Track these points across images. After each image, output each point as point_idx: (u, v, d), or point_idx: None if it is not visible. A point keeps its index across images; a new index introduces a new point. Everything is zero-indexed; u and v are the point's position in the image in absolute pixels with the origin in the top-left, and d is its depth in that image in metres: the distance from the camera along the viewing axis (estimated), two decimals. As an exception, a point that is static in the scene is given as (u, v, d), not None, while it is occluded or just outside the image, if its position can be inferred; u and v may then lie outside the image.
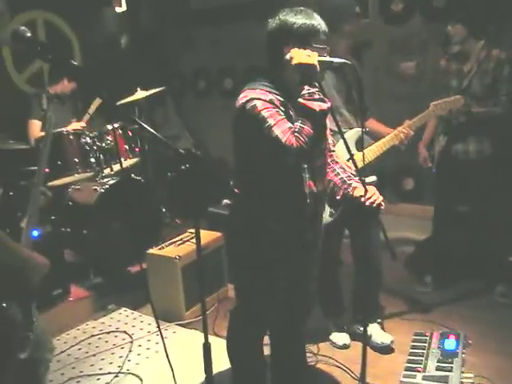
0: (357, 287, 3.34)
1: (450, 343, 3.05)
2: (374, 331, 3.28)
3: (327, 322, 3.42)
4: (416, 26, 5.02)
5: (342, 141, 2.85)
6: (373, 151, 3.09)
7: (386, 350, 3.20)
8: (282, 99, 2.13)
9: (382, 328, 3.35)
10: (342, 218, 2.97)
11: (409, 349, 3.08)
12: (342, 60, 2.12)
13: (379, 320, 3.36)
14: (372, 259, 3.23)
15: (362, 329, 3.23)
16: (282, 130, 2.00)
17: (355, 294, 3.36)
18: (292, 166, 2.12)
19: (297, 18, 2.10)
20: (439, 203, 3.93)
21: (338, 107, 3.05)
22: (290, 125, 2.04)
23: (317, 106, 2.00)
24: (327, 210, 2.94)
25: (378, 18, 5.21)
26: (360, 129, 3.04)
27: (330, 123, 2.73)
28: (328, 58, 2.12)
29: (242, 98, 2.12)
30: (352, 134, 3.06)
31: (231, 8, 5.84)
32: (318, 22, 2.12)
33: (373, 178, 3.04)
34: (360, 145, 3.02)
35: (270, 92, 2.11)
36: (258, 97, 2.07)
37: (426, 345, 3.09)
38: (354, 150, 2.98)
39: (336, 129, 2.85)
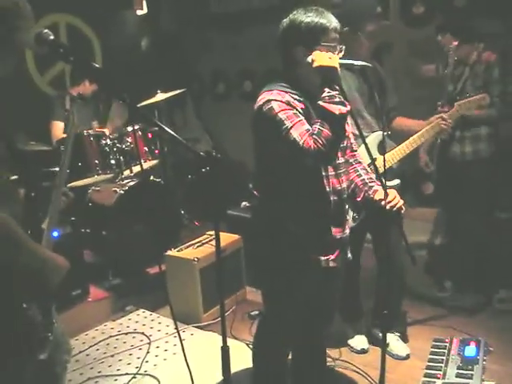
0: (378, 291, 3.30)
1: (471, 350, 3.01)
2: (392, 341, 3.23)
3: (346, 326, 3.40)
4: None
5: (363, 145, 2.87)
6: (396, 154, 3.05)
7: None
8: (300, 99, 2.12)
9: (402, 338, 3.30)
10: (365, 222, 2.94)
11: (428, 355, 3.05)
12: (363, 62, 2.11)
13: (399, 333, 3.30)
14: (394, 263, 3.18)
15: (381, 334, 3.20)
16: (300, 132, 2.00)
17: (376, 299, 3.32)
18: (311, 168, 2.11)
19: (306, 17, 2.10)
20: (442, 206, 3.95)
21: (360, 110, 3.01)
22: (307, 127, 2.03)
23: (336, 109, 1.99)
24: (350, 214, 2.91)
25: (399, 20, 5.18)
26: (381, 132, 3.00)
27: (351, 127, 2.73)
28: (349, 61, 2.11)
29: (260, 100, 2.12)
30: (374, 138, 3.01)
31: (250, 12, 5.85)
32: (327, 19, 2.10)
33: (396, 182, 3.01)
34: (382, 148, 2.97)
35: (286, 92, 2.11)
36: (275, 98, 2.07)
37: (446, 351, 3.05)
38: (376, 154, 2.97)
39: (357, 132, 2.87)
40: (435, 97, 3.75)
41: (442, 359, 2.98)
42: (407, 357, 3.16)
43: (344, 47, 2.16)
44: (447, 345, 3.12)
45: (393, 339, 3.25)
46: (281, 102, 2.06)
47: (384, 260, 3.21)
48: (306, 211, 2.19)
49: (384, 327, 2.87)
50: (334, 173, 2.21)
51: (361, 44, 2.90)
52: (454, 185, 3.74)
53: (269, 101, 2.07)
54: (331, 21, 2.11)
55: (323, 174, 2.17)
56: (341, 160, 2.25)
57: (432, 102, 3.77)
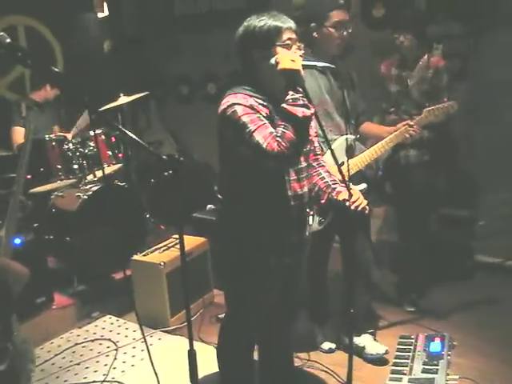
0: (345, 292, 3.30)
1: (436, 345, 3.07)
2: (367, 342, 3.21)
3: (314, 327, 3.41)
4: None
5: (333, 147, 2.88)
6: (364, 158, 3.05)
7: (381, 361, 3.14)
8: (264, 103, 2.13)
9: (375, 338, 3.29)
10: (332, 224, 2.96)
11: (395, 352, 3.09)
12: (326, 64, 2.11)
13: (371, 330, 3.31)
14: (360, 264, 3.19)
15: (354, 341, 3.20)
16: (263, 135, 2.01)
17: (344, 301, 3.29)
18: (274, 171, 2.13)
19: (259, 21, 2.12)
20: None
21: (330, 112, 3.01)
22: (271, 130, 2.04)
23: (300, 111, 2.00)
24: (316, 218, 2.91)
25: (360, 22, 5.25)
26: (351, 136, 3.02)
27: (319, 129, 2.74)
28: (312, 62, 2.12)
29: (224, 104, 2.12)
30: (343, 141, 3.00)
31: (214, 14, 5.84)
32: (280, 20, 2.13)
33: (363, 186, 3.01)
34: (350, 152, 3.00)
35: (251, 96, 2.11)
36: (239, 102, 2.08)
37: (412, 347, 3.11)
38: (343, 158, 2.94)
39: (327, 136, 2.86)
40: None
41: (409, 355, 3.04)
42: (386, 352, 3.15)
43: (302, 45, 2.17)
44: (413, 341, 3.18)
45: (367, 340, 3.24)
46: (244, 105, 2.07)
47: (350, 263, 3.22)
48: (268, 215, 2.20)
49: (350, 325, 2.88)
50: (295, 177, 2.22)
51: (329, 37, 2.89)
52: (400, 186, 3.80)
53: (232, 104, 2.08)
54: (284, 21, 2.13)
55: (285, 178, 2.19)
56: (303, 164, 2.27)
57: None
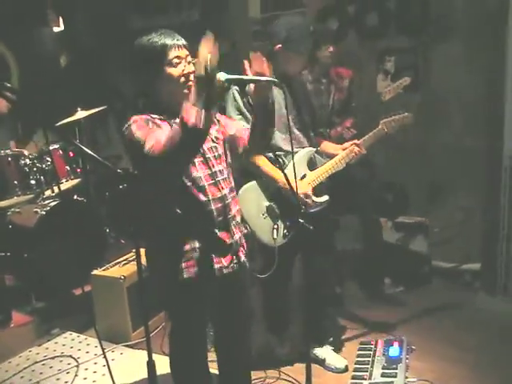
0: (308, 305, 3.27)
1: (394, 350, 3.12)
2: (328, 355, 3.25)
3: (271, 338, 3.40)
4: (351, 44, 5.18)
5: (292, 162, 2.90)
6: (322, 173, 3.05)
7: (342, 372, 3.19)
8: (161, 117, 2.17)
9: (335, 350, 3.32)
10: (295, 237, 2.95)
11: (355, 358, 3.15)
12: (269, 78, 2.13)
13: (331, 339, 3.34)
14: (323, 278, 3.23)
15: (316, 353, 3.25)
16: (144, 133, 2.04)
17: (306, 313, 3.30)
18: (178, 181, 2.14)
19: (153, 38, 2.14)
20: None
21: (290, 126, 2.92)
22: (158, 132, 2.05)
23: (193, 119, 1.88)
24: (281, 230, 2.92)
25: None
26: (312, 148, 3.05)
27: (283, 143, 2.78)
28: (255, 77, 2.07)
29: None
30: (304, 154, 3.03)
31: (170, 27, 5.85)
32: (170, 38, 2.14)
33: (325, 198, 3.02)
34: (311, 164, 3.03)
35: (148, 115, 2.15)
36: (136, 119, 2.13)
37: (372, 352, 3.15)
38: (306, 170, 3.00)
39: (288, 148, 2.89)
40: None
41: (368, 361, 3.08)
42: (346, 368, 3.19)
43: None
44: (372, 347, 3.23)
45: (328, 352, 3.28)
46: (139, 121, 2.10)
47: (312, 273, 3.22)
48: (191, 224, 2.19)
49: (309, 336, 2.92)
50: (212, 181, 2.21)
51: (290, 61, 2.93)
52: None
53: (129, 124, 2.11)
54: (174, 38, 2.15)
55: (200, 184, 2.17)
56: (218, 168, 2.25)
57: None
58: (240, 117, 2.83)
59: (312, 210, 2.95)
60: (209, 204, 2.19)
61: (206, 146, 2.22)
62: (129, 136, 2.06)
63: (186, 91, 2.11)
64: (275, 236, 2.87)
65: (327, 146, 3.29)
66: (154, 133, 2.03)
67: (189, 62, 2.15)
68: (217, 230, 2.23)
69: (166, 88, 2.14)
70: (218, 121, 2.35)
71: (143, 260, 2.12)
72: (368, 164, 3.93)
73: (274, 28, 2.97)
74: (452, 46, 4.20)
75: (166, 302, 2.37)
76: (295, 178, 2.22)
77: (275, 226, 2.90)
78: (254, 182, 2.97)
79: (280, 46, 2.92)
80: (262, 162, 2.90)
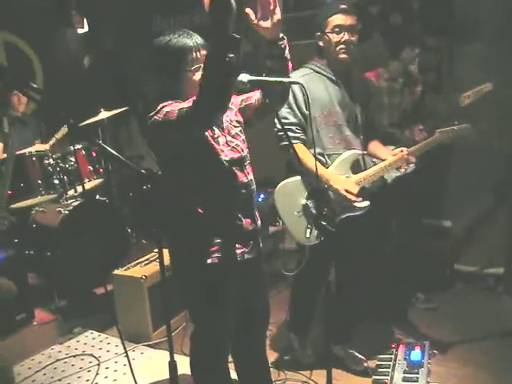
0: (334, 310, 3.15)
1: (416, 354, 3.10)
2: (348, 355, 3.24)
3: (293, 338, 3.38)
4: (376, 44, 5.15)
5: (336, 161, 2.88)
6: (370, 175, 2.93)
7: (362, 373, 3.16)
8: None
9: (356, 351, 3.28)
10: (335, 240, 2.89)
11: (376, 361, 3.12)
12: (292, 79, 2.10)
13: (352, 342, 3.30)
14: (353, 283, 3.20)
15: (336, 352, 3.23)
16: (181, 106, 2.02)
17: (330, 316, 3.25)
18: (213, 164, 2.15)
19: (182, 38, 2.14)
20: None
21: (340, 125, 2.91)
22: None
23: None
24: (314, 231, 2.80)
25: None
26: (357, 151, 2.92)
27: (329, 142, 2.80)
28: (277, 78, 2.07)
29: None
30: (347, 156, 2.90)
31: (193, 29, 5.88)
32: (198, 41, 2.15)
33: (366, 204, 2.90)
34: (355, 167, 2.92)
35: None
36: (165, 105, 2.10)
37: (393, 356, 3.13)
38: (348, 172, 2.89)
39: (333, 148, 2.88)
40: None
41: (389, 365, 3.06)
42: (365, 370, 3.15)
43: None
44: (394, 350, 3.20)
45: (348, 353, 3.25)
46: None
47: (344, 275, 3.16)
48: (213, 206, 2.19)
49: (331, 337, 2.87)
50: (238, 166, 2.22)
51: (330, 43, 2.83)
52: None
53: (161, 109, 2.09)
54: (194, 40, 2.15)
55: (229, 169, 2.18)
56: (244, 153, 2.27)
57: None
58: None
59: (350, 214, 2.88)
60: (236, 189, 2.21)
61: (232, 131, 2.25)
62: (160, 116, 2.05)
63: None
64: (308, 235, 2.81)
65: (377, 148, 3.11)
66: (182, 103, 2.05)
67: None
68: (242, 217, 2.24)
69: (186, 89, 2.14)
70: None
71: (165, 260, 2.12)
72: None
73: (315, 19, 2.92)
74: (476, 47, 4.14)
75: (189, 291, 2.34)
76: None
77: (309, 226, 2.84)
78: (296, 178, 2.91)
79: (318, 34, 2.87)
80: (308, 157, 2.81)
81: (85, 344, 3.76)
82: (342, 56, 2.83)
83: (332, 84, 2.91)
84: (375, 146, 3.11)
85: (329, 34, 2.81)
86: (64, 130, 4.38)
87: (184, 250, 2.27)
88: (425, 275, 4.08)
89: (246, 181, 2.25)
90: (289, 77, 2.16)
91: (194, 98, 1.93)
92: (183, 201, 2.21)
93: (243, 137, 2.32)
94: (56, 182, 4.11)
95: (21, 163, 3.94)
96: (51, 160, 4.09)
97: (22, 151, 4.01)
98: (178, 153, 2.13)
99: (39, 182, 4.02)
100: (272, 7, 1.99)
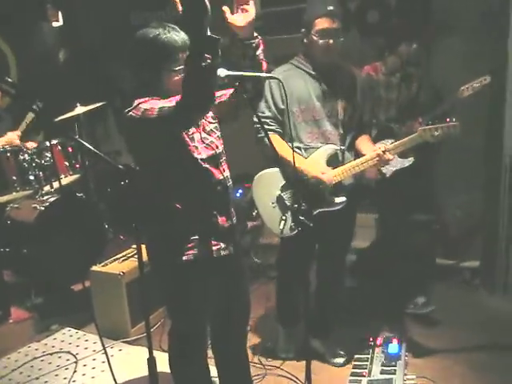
0: (314, 301, 3.27)
1: (393, 347, 3.14)
2: (328, 349, 3.26)
3: (280, 331, 3.39)
4: (353, 40, 5.17)
5: (312, 155, 2.90)
6: (346, 170, 2.92)
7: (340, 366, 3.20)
8: None
9: (335, 344, 3.31)
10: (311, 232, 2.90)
11: (354, 355, 3.15)
12: (269, 75, 2.11)
13: (332, 336, 3.32)
14: (334, 274, 3.24)
15: (315, 346, 3.25)
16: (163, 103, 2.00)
17: (311, 308, 3.21)
18: (187, 161, 2.14)
19: (168, 33, 2.10)
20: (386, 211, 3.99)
21: (318, 120, 2.91)
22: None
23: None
24: (288, 222, 2.86)
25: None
26: (332, 146, 2.91)
27: (306, 136, 2.82)
28: (255, 73, 2.07)
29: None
30: (323, 150, 2.91)
31: (172, 24, 5.85)
32: (178, 38, 2.10)
33: (342, 199, 2.92)
34: (332, 162, 2.92)
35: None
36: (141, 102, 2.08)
37: (371, 350, 3.17)
38: (323, 168, 2.89)
39: (310, 143, 2.89)
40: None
41: (367, 358, 3.10)
42: (344, 363, 3.19)
43: None
44: (372, 344, 3.24)
45: (327, 346, 3.27)
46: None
47: (324, 268, 3.23)
48: (191, 204, 2.18)
49: (310, 330, 2.88)
50: (214, 163, 2.22)
51: (314, 44, 2.84)
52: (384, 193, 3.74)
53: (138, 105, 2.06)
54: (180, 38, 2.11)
55: (204, 166, 2.18)
56: (219, 150, 2.27)
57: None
58: None
59: (328, 209, 2.91)
60: (212, 187, 2.21)
61: (207, 127, 2.25)
62: (137, 114, 2.02)
63: None
64: (281, 227, 2.86)
65: (363, 143, 3.08)
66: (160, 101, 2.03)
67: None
68: (217, 214, 2.24)
69: (167, 88, 2.12)
70: None
71: (144, 256, 2.11)
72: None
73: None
74: (453, 44, 4.18)
75: (166, 288, 2.34)
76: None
77: (283, 217, 2.88)
78: (273, 169, 2.95)
79: (303, 30, 2.89)
80: (283, 147, 2.83)
81: (62, 341, 3.72)
82: (325, 58, 2.87)
83: (312, 79, 2.93)
84: (362, 142, 3.10)
85: (313, 36, 2.83)
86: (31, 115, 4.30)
87: (160, 247, 2.27)
88: (419, 273, 3.89)
89: (222, 178, 2.25)
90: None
91: (178, 98, 1.91)
92: (159, 197, 2.20)
93: (218, 133, 2.32)
94: (31, 177, 4.06)
95: (-5, 159, 3.89)
96: (26, 156, 4.04)
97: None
98: (153, 149, 2.11)
99: (14, 178, 3.98)
100: (246, 6, 1.98)
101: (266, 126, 2.86)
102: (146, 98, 2.07)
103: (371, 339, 3.28)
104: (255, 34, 2.07)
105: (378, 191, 3.72)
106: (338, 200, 2.91)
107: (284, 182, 2.92)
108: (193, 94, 1.86)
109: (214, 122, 2.32)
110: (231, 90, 2.27)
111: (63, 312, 4.00)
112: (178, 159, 2.15)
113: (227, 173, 2.30)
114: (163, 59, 2.09)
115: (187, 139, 2.16)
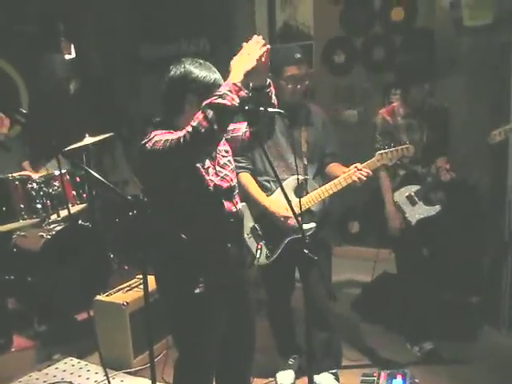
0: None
1: (397, 382, 3.10)
2: (327, 382, 3.25)
3: (278, 359, 3.40)
4: (358, 77, 5.27)
5: (279, 189, 2.94)
6: (312, 198, 3.05)
7: None
8: None
9: (337, 378, 3.29)
10: (290, 259, 2.96)
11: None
12: (277, 110, 2.17)
13: (334, 370, 3.31)
14: (316, 301, 3.20)
15: (316, 380, 3.22)
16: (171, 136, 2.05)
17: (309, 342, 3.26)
18: (205, 195, 2.19)
19: (200, 70, 2.16)
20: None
21: (283, 154, 3.07)
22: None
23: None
24: (264, 252, 3.02)
25: (322, 68, 5.46)
26: (301, 176, 3.05)
27: (269, 168, 2.84)
28: (261, 108, 2.12)
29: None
30: (291, 180, 3.04)
31: (180, 57, 5.97)
32: (217, 76, 2.18)
33: (312, 225, 3.04)
34: (298, 192, 3.00)
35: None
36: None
37: (375, 385, 3.13)
38: (291, 197, 2.94)
39: (275, 178, 2.92)
40: (359, 141, 3.85)
41: (371, 393, 3.06)
42: None
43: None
44: (375, 379, 3.19)
45: (328, 379, 3.26)
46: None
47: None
48: (203, 236, 2.22)
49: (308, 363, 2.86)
50: (227, 196, 2.27)
51: (282, 89, 2.95)
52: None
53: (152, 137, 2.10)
54: (218, 78, 2.18)
55: (217, 198, 2.23)
56: (232, 183, 2.32)
57: (356, 147, 3.88)
58: None
59: (298, 236, 2.89)
60: (225, 219, 2.25)
61: (221, 161, 2.30)
62: (149, 145, 2.06)
63: None
64: (258, 255, 3.02)
65: (334, 168, 3.19)
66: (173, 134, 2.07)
67: None
68: (230, 246, 2.28)
69: (186, 123, 2.09)
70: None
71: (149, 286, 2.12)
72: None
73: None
74: (457, 79, 4.24)
75: (177, 320, 2.35)
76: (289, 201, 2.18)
77: (258, 247, 3.03)
78: (243, 204, 2.98)
79: (270, 74, 2.97)
80: (251, 185, 3.06)
81: (64, 371, 3.70)
82: (292, 100, 3.01)
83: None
84: (333, 167, 3.21)
85: (282, 82, 2.97)
86: (54, 163, 4.36)
87: (172, 278, 2.28)
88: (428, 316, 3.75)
89: (235, 210, 2.29)
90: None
91: (181, 134, 1.96)
92: (172, 228, 2.23)
93: (232, 166, 2.37)
94: (39, 206, 4.09)
95: (3, 187, 3.93)
96: (35, 184, 4.08)
97: (5, 175, 4.00)
98: (163, 180, 2.15)
99: (22, 206, 4.00)
100: (264, 59, 2.06)
101: (236, 164, 2.82)
102: (163, 131, 2.11)
103: (375, 374, 3.24)
104: (268, 81, 2.18)
105: (402, 240, 3.61)
106: (308, 226, 3.02)
107: (255, 214, 3.08)
108: (199, 141, 1.96)
109: (226, 155, 2.36)
110: (244, 128, 2.35)
111: (66, 341, 3.98)
112: (193, 191, 2.18)
113: (240, 205, 2.35)
114: (199, 96, 2.11)
115: (202, 171, 2.20)
